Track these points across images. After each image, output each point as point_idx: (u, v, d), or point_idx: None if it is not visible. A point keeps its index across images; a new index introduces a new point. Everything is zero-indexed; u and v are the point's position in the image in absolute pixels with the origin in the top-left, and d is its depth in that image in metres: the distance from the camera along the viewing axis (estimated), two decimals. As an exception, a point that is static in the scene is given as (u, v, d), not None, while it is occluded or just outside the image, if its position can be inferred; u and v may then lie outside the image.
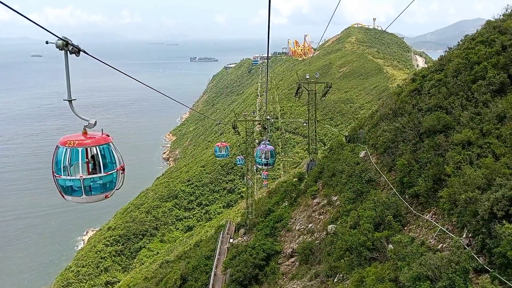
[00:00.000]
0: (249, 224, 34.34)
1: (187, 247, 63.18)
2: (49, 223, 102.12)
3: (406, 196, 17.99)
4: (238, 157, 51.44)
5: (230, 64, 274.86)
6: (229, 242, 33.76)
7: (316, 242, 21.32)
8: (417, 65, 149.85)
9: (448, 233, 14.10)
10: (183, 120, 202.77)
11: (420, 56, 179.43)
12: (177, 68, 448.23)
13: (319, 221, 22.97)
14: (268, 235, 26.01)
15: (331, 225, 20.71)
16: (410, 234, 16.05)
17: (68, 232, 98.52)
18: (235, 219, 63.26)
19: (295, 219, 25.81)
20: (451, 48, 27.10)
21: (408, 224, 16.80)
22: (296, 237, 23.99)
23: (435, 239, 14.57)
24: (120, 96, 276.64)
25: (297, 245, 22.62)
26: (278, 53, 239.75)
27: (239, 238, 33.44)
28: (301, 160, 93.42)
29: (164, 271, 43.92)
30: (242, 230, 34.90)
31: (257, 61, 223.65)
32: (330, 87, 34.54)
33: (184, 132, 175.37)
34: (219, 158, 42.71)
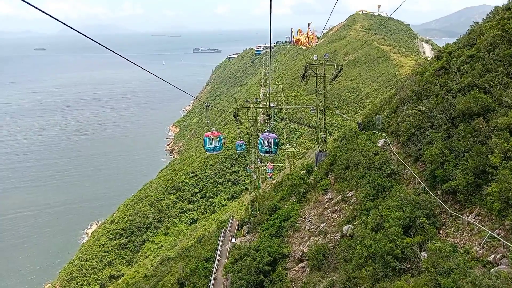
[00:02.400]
0: (253, 222, 31.48)
1: (190, 241, 61.20)
2: (53, 218, 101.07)
3: (439, 192, 15.10)
4: (238, 142, 44.28)
5: (233, 54, 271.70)
6: (231, 241, 30.97)
7: (330, 245, 18.49)
8: (424, 52, 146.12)
9: (500, 240, 11.20)
10: (186, 111, 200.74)
11: (427, 43, 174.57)
12: (180, 60, 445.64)
13: (333, 221, 20.09)
14: (274, 236, 23.18)
15: (347, 226, 17.83)
16: (448, 239, 13.15)
17: (72, 226, 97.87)
18: (239, 212, 60.83)
19: (305, 218, 22.92)
20: (477, 23, 23.96)
21: (444, 227, 13.89)
22: (306, 238, 21.16)
23: (483, 247, 11.68)
24: (123, 88, 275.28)
25: (307, 248, 19.77)
26: (282, 42, 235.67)
27: (242, 237, 30.66)
28: (306, 151, 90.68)
29: (164, 269, 41.71)
30: (245, 228, 32.16)
31: (260, 50, 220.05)
32: (341, 69, 31.41)
33: (188, 124, 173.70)
34: (209, 153, 29.30)
